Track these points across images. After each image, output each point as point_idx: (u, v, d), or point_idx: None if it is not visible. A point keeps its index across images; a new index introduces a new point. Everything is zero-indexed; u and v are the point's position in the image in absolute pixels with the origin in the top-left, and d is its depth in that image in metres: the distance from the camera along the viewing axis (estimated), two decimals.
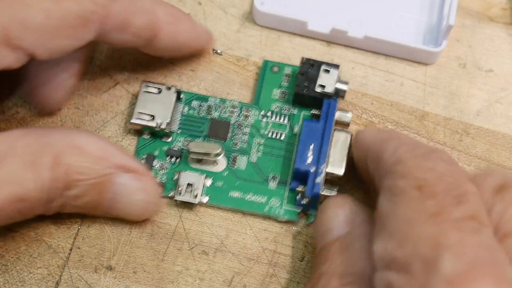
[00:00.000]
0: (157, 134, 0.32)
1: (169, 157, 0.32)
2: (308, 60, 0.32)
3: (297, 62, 0.33)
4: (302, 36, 0.35)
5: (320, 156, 0.30)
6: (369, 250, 0.25)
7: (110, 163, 0.28)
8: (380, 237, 0.23)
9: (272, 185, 0.31)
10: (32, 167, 0.25)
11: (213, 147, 0.31)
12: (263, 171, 0.31)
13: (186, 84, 0.34)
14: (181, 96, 0.33)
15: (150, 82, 0.32)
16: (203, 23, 0.35)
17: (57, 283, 0.29)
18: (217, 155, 0.31)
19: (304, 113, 0.33)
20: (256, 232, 0.31)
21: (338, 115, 0.31)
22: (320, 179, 0.30)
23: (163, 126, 0.31)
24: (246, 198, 0.31)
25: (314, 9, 0.36)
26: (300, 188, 0.30)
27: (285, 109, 0.33)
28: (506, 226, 0.23)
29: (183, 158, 0.32)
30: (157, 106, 0.32)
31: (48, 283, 0.29)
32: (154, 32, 0.29)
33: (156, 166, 0.31)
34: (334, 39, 0.35)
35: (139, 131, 0.32)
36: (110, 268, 0.29)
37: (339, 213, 0.27)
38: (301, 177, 0.30)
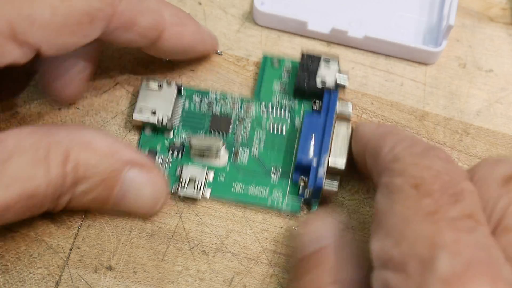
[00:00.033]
0: (158, 129, 0.32)
1: (171, 151, 0.32)
2: (308, 54, 0.32)
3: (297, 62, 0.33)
4: (302, 36, 0.35)
5: (322, 148, 0.30)
6: (354, 258, 0.26)
7: (118, 159, 0.28)
8: (377, 235, 0.23)
9: (274, 178, 0.31)
10: (41, 163, 0.26)
11: (215, 141, 0.31)
12: (265, 164, 0.32)
13: (186, 84, 0.34)
14: (181, 91, 0.33)
15: (150, 78, 0.32)
16: (203, 23, 0.35)
17: (57, 283, 0.29)
18: (219, 148, 0.31)
19: (304, 105, 0.33)
20: (256, 232, 0.31)
21: (339, 106, 0.32)
22: (322, 171, 0.30)
23: (164, 122, 0.31)
24: (248, 191, 0.31)
25: (314, 9, 0.36)
26: (302, 181, 0.31)
27: (286, 103, 0.33)
28: (510, 220, 0.23)
29: (185, 152, 0.32)
30: (158, 102, 0.32)
31: (48, 283, 0.29)
32: (159, 33, 0.29)
33: (158, 161, 0.32)
34: (334, 39, 0.35)
35: (140, 127, 0.32)
36: (110, 268, 0.29)
37: (322, 225, 0.27)
38: (303, 169, 0.30)
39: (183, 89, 0.33)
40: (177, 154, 0.32)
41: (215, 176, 0.31)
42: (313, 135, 0.31)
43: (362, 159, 0.29)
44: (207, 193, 0.31)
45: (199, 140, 0.31)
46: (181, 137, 0.32)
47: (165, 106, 0.32)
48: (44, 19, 0.25)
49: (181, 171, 0.31)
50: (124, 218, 0.30)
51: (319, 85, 0.32)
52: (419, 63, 0.35)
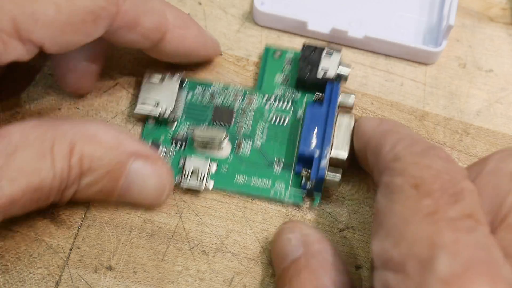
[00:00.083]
0: (161, 121, 0.32)
1: (174, 143, 0.32)
2: (310, 44, 0.32)
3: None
4: (302, 36, 0.35)
5: (324, 140, 0.30)
6: (327, 264, 0.26)
7: (123, 150, 0.28)
8: (378, 235, 0.23)
9: (277, 169, 0.31)
10: (46, 157, 0.26)
11: (218, 132, 0.31)
12: (268, 155, 0.32)
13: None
14: (184, 84, 0.33)
15: (153, 71, 0.32)
16: (203, 23, 0.35)
17: (57, 283, 0.29)
18: (222, 140, 0.31)
19: (307, 97, 0.33)
20: (256, 232, 0.31)
21: (341, 98, 0.32)
22: (324, 162, 0.30)
23: (167, 113, 0.31)
24: (251, 183, 0.31)
25: (314, 9, 0.36)
26: (304, 172, 0.31)
27: (288, 94, 0.33)
28: None
29: (188, 144, 0.32)
30: (161, 94, 0.32)
31: (48, 283, 0.29)
32: (162, 35, 0.29)
33: (162, 153, 0.32)
34: (334, 39, 0.35)
35: (143, 119, 0.32)
36: (110, 268, 0.29)
37: (291, 238, 0.27)
38: (306, 161, 0.30)
39: (186, 81, 0.33)
40: (180, 146, 0.32)
41: (218, 168, 0.31)
42: (316, 126, 0.31)
43: (364, 156, 0.29)
44: (210, 184, 0.31)
45: (202, 132, 0.31)
46: (184, 128, 0.32)
47: (168, 98, 0.32)
48: (48, 17, 0.25)
49: (184, 163, 0.31)
50: (124, 218, 0.30)
51: (320, 75, 0.32)
52: (419, 63, 0.35)
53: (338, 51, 0.32)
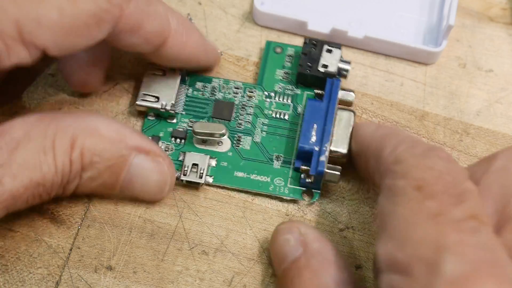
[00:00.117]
0: (162, 115, 0.32)
1: (174, 138, 0.32)
2: (311, 40, 0.32)
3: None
4: (302, 36, 0.35)
5: (324, 135, 0.30)
6: (327, 263, 0.26)
7: (125, 145, 0.28)
8: (381, 238, 0.23)
9: (276, 164, 0.31)
10: (48, 151, 0.26)
11: (218, 128, 0.31)
12: (268, 151, 0.32)
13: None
14: (185, 78, 0.33)
15: (155, 64, 0.32)
16: (203, 23, 0.35)
17: (57, 283, 0.29)
18: (222, 135, 0.31)
19: (307, 93, 0.33)
20: (256, 232, 0.31)
21: (341, 94, 0.32)
22: (324, 158, 0.30)
23: (167, 108, 0.32)
24: (250, 178, 0.31)
25: (314, 9, 0.36)
26: (304, 167, 0.31)
27: (289, 89, 0.33)
28: None
29: (188, 139, 0.32)
30: (161, 88, 0.32)
31: (48, 283, 0.29)
32: (164, 39, 0.29)
33: (162, 147, 0.32)
34: (334, 39, 0.35)
35: (144, 112, 0.32)
36: (110, 268, 0.29)
37: (289, 238, 0.28)
38: (305, 156, 0.30)
39: (187, 76, 0.33)
40: (180, 141, 0.32)
41: (217, 163, 0.31)
42: (315, 122, 0.31)
43: (363, 160, 0.29)
44: (210, 179, 0.31)
45: (202, 127, 0.31)
46: (184, 124, 0.32)
47: (168, 92, 0.32)
48: (51, 21, 0.25)
49: (184, 158, 0.31)
50: (124, 218, 0.30)
51: (321, 70, 0.32)
52: (419, 63, 0.35)
53: (339, 47, 0.32)
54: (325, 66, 0.32)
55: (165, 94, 0.32)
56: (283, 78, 0.33)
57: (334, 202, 0.31)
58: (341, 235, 0.31)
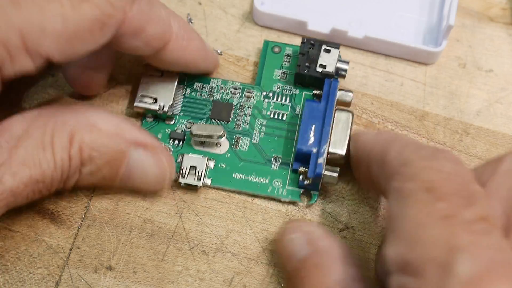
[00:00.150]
0: (160, 117, 0.32)
1: (172, 140, 0.32)
2: (309, 40, 0.32)
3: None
4: (302, 36, 0.35)
5: (322, 137, 0.30)
6: (335, 260, 0.26)
7: (124, 139, 0.28)
8: (392, 240, 0.23)
9: (275, 166, 0.31)
10: (48, 147, 0.26)
11: (216, 129, 0.31)
12: (266, 152, 0.32)
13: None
14: (183, 79, 0.33)
15: (152, 66, 0.32)
16: (203, 23, 0.35)
17: (57, 283, 0.29)
18: (220, 137, 0.31)
19: (305, 93, 0.33)
20: (256, 232, 0.31)
21: (339, 94, 0.32)
22: (322, 159, 0.30)
23: (165, 109, 0.32)
24: (249, 180, 0.31)
25: (314, 9, 0.36)
26: (302, 169, 0.31)
27: (287, 90, 0.33)
28: None
29: (186, 140, 0.32)
30: (159, 89, 0.32)
31: (48, 283, 0.29)
32: (165, 43, 0.29)
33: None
34: (334, 39, 0.35)
35: (142, 114, 0.32)
36: (110, 268, 0.29)
37: (295, 238, 0.27)
38: (304, 157, 0.30)
39: (185, 76, 0.33)
40: (178, 143, 0.32)
41: (216, 165, 0.31)
42: (314, 123, 0.31)
43: (364, 167, 0.28)
44: (208, 181, 0.31)
45: (200, 129, 0.31)
46: (182, 126, 0.32)
47: (166, 94, 0.32)
48: (55, 29, 0.25)
49: (182, 160, 0.31)
50: (124, 218, 0.30)
51: (319, 70, 0.32)
52: (419, 63, 0.35)
53: (337, 47, 0.32)
54: (323, 66, 0.32)
55: (163, 95, 0.32)
56: (281, 78, 0.33)
57: (334, 202, 0.31)
58: (341, 235, 0.31)
